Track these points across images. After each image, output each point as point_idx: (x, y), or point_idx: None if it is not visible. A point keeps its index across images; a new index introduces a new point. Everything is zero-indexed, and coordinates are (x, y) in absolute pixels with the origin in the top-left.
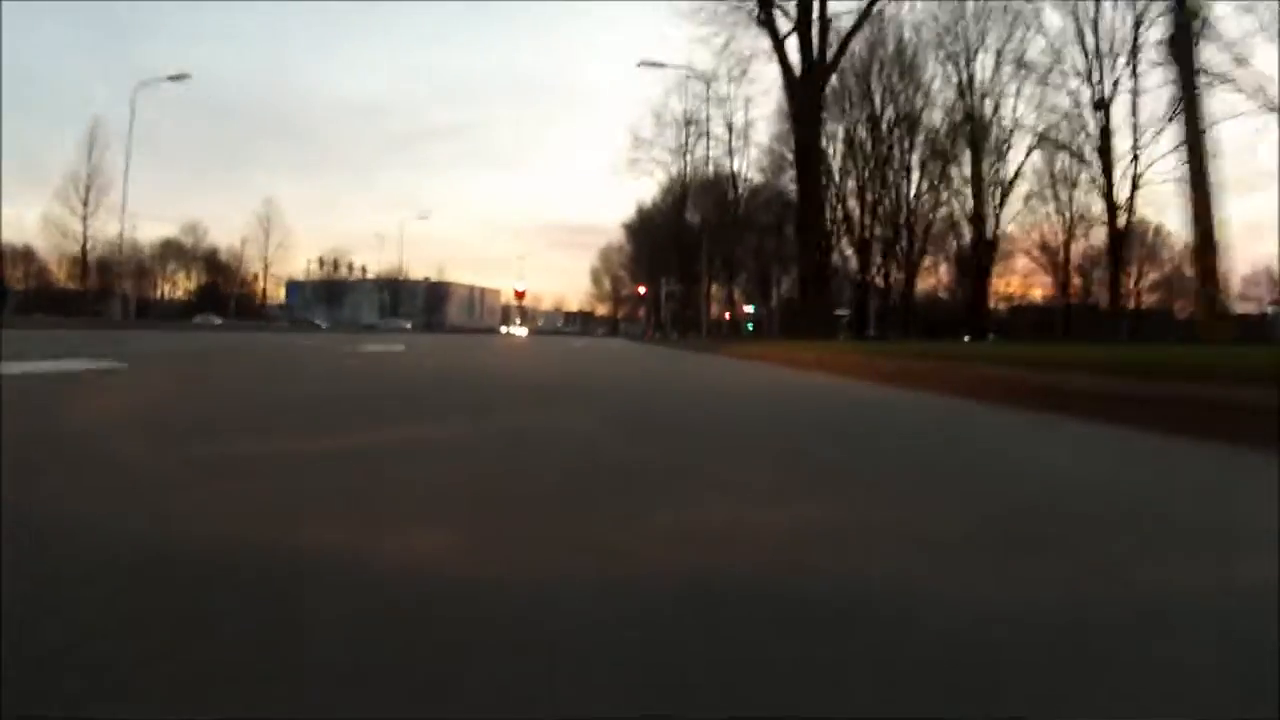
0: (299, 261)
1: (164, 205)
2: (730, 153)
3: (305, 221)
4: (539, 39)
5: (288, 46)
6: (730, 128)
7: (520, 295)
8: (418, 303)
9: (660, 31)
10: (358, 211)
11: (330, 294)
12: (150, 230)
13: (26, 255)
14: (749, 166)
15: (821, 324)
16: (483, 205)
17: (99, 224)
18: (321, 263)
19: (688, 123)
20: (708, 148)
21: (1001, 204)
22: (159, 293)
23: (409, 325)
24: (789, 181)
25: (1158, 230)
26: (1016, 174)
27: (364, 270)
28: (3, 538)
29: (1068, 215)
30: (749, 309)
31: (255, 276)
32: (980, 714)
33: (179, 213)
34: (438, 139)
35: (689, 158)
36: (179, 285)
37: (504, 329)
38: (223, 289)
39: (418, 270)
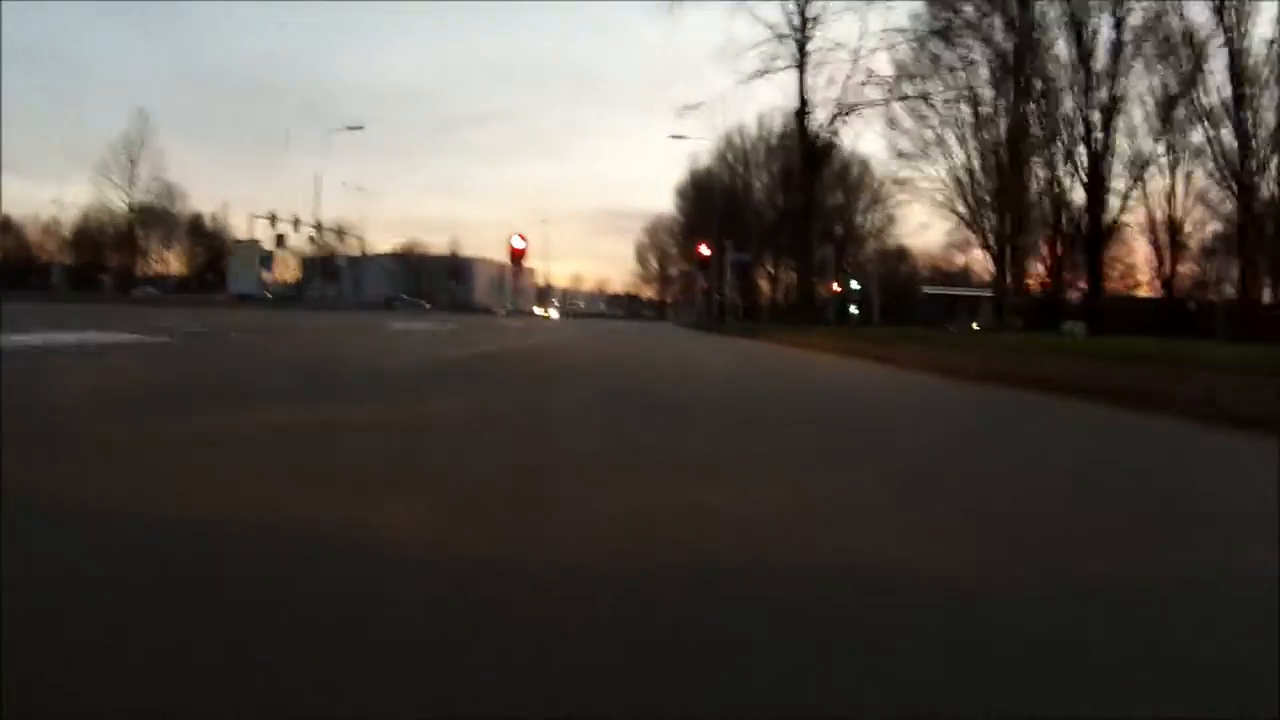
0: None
1: (203, 186)
2: None
3: (346, 203)
4: (583, 24)
5: (328, 29)
6: None
7: (519, 254)
8: (440, 280)
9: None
10: (404, 195)
11: (336, 269)
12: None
13: (4, 225)
14: None
15: None
16: (528, 190)
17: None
18: (335, 231)
19: None
20: None
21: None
22: (143, 267)
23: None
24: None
25: None
26: None
27: (331, 233)
28: None
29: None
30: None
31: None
32: None
33: (214, 193)
34: (482, 124)
35: None
36: (164, 259)
37: (536, 310)
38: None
39: (440, 247)
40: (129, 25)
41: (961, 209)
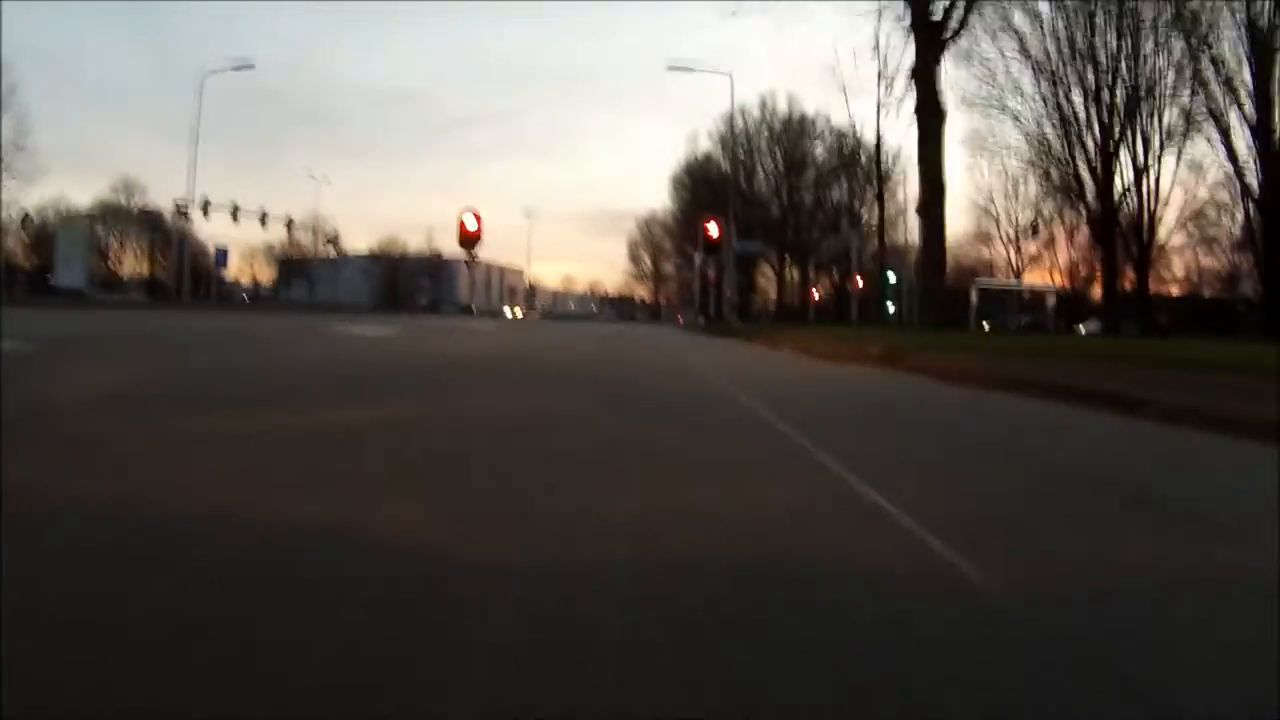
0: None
1: (202, 189)
2: None
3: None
4: (581, 24)
5: (324, 31)
6: None
7: (472, 236)
8: (423, 283)
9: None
10: (402, 197)
11: (315, 271)
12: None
13: None
14: None
15: None
16: (523, 191)
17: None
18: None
19: None
20: None
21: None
22: (101, 269)
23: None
24: None
25: None
26: None
27: (299, 232)
28: None
29: None
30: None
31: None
32: None
33: (215, 196)
34: (478, 126)
35: None
36: (120, 258)
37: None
38: (202, 265)
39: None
40: (129, 25)
41: (1055, 175)
